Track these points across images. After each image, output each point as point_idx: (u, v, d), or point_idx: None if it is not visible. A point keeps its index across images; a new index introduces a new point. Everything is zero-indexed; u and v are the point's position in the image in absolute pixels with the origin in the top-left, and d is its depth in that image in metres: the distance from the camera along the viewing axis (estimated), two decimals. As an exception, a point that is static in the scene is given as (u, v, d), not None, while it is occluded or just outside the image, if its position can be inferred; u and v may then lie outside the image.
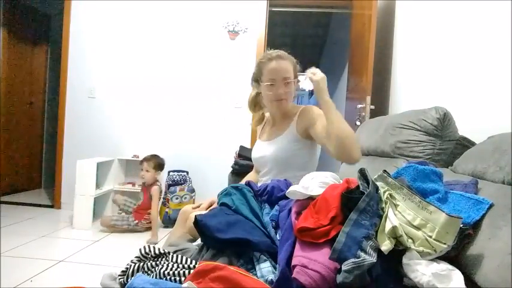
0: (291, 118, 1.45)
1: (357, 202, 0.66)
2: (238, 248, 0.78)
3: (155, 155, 2.95)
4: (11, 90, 3.80)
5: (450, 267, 0.59)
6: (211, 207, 1.37)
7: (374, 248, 0.61)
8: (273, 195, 0.97)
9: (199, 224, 0.82)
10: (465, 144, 1.21)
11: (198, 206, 1.42)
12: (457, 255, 0.66)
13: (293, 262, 0.66)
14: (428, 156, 1.21)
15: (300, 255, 0.66)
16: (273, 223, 0.86)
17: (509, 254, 0.57)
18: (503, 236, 0.61)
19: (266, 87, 1.40)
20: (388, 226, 0.63)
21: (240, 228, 0.82)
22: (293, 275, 0.63)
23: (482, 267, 0.61)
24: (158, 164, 2.91)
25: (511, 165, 0.75)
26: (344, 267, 0.58)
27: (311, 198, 0.79)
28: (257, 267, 0.74)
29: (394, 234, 0.63)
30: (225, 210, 0.93)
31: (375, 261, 0.59)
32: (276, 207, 0.91)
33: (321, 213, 0.70)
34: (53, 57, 4.29)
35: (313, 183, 0.81)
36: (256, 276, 0.72)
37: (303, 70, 1.42)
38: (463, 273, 0.59)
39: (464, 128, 1.27)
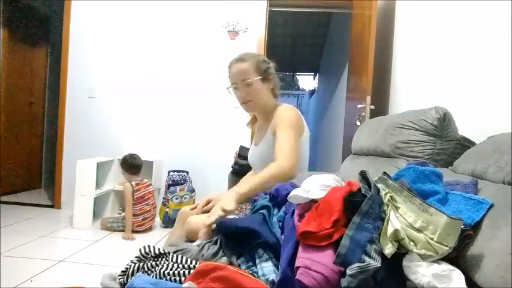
0: (270, 119, 1.41)
1: (359, 205, 0.66)
2: (245, 238, 0.79)
3: (126, 156, 2.91)
4: (11, 90, 3.80)
5: (451, 267, 0.59)
6: (207, 206, 1.37)
7: (378, 252, 0.61)
8: (278, 197, 0.98)
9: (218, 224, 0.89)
10: (465, 144, 1.21)
11: (196, 207, 1.41)
12: (457, 255, 0.66)
13: (296, 263, 0.66)
14: (429, 156, 1.21)
15: (303, 257, 0.66)
16: (280, 224, 0.87)
17: (509, 254, 0.58)
18: (503, 236, 0.61)
19: (233, 92, 1.43)
20: (390, 229, 0.63)
21: (252, 221, 0.85)
22: (296, 277, 0.63)
23: (482, 267, 0.62)
24: (123, 163, 2.88)
25: (511, 165, 0.75)
26: (349, 272, 0.57)
27: (313, 200, 0.79)
28: (258, 266, 0.74)
29: (396, 238, 0.63)
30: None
31: (380, 265, 0.58)
32: (283, 208, 0.92)
33: (323, 217, 0.70)
34: (53, 57, 4.30)
35: (315, 186, 0.81)
36: (257, 275, 0.72)
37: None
38: (463, 273, 0.59)
39: (464, 128, 1.27)
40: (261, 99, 1.42)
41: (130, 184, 2.78)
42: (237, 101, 1.44)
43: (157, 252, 0.80)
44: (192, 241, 1.15)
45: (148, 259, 0.79)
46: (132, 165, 2.87)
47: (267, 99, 1.43)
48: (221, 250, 0.83)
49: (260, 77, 1.38)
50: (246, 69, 1.37)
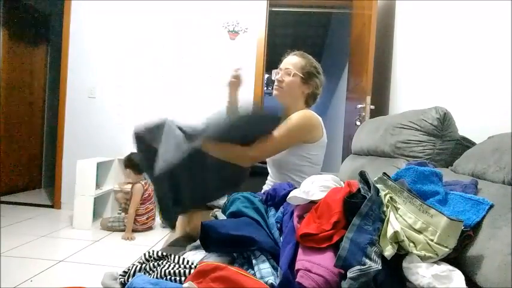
0: None
1: (359, 206, 0.65)
2: (241, 247, 0.78)
3: (129, 154, 2.85)
4: (11, 90, 3.80)
5: (450, 267, 0.59)
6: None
7: (378, 254, 0.61)
8: (276, 198, 0.97)
9: (204, 227, 0.81)
10: (465, 144, 1.21)
11: None
12: (456, 256, 0.66)
13: (296, 266, 0.66)
14: (429, 156, 1.21)
15: (303, 259, 0.65)
16: (278, 225, 0.86)
17: (509, 254, 0.58)
18: (503, 236, 0.61)
19: (275, 74, 1.52)
20: (390, 231, 0.63)
21: (246, 226, 0.82)
22: (297, 279, 0.62)
23: (482, 268, 0.62)
24: (128, 162, 2.83)
25: (511, 165, 0.75)
26: (350, 274, 0.57)
27: (312, 201, 0.79)
28: (255, 268, 0.73)
29: (396, 239, 0.63)
30: (232, 219, 0.93)
31: (381, 268, 0.58)
32: (281, 208, 0.92)
33: (323, 218, 0.70)
34: (53, 57, 4.29)
35: (314, 187, 0.80)
36: (255, 277, 0.71)
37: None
38: (463, 273, 0.59)
39: (464, 128, 1.27)
40: (291, 94, 1.47)
41: (141, 184, 2.78)
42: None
43: (159, 255, 0.80)
44: (196, 239, 1.15)
45: (151, 261, 0.79)
46: (131, 161, 2.84)
47: (296, 99, 1.48)
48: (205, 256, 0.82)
49: (301, 75, 1.45)
50: (294, 63, 1.47)
